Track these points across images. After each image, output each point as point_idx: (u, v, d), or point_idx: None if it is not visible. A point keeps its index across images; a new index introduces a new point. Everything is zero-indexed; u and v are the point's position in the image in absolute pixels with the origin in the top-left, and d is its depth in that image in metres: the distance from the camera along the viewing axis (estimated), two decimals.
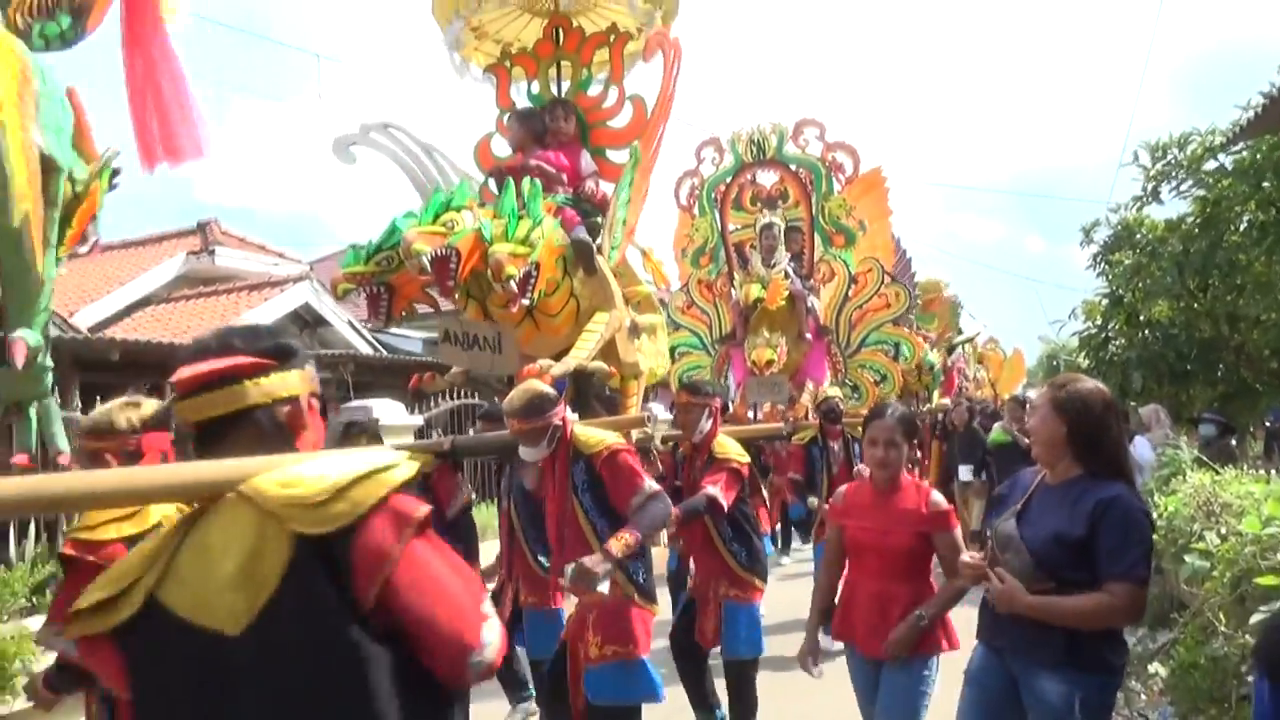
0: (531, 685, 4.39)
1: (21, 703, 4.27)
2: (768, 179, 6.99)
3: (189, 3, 2.86)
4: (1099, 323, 8.01)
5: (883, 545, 2.72)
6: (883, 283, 6.73)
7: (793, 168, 6.81)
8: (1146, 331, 7.42)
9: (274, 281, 10.20)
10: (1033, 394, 8.80)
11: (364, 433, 3.89)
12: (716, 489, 3.83)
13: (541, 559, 4.24)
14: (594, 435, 3.18)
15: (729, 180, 6.91)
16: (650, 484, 3.07)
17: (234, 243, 11.19)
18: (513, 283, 3.30)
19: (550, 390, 3.19)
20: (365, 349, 10.09)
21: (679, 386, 4.20)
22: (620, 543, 2.96)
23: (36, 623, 4.37)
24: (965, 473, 7.30)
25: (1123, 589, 2.01)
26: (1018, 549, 2.15)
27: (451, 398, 7.46)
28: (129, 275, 10.08)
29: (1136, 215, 7.61)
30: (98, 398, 5.10)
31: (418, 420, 6.64)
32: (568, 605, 4.34)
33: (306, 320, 10.31)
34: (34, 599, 4.56)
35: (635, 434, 3.70)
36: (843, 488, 2.99)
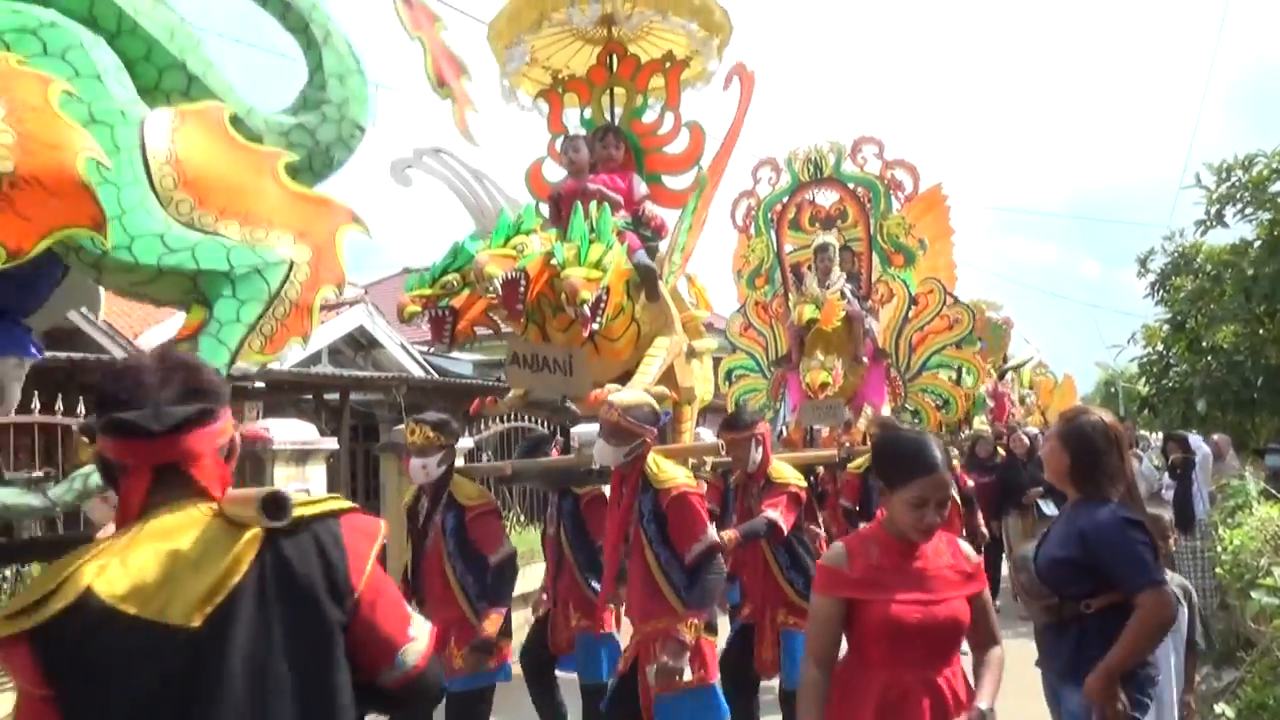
0: (565, 712, 4.49)
1: None
2: (826, 199, 7.03)
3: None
4: (1160, 348, 7.87)
5: (932, 622, 2.03)
6: (944, 303, 6.67)
7: (851, 186, 6.84)
8: (1210, 358, 7.18)
9: (330, 305, 10.46)
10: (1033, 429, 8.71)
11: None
12: (777, 513, 3.93)
13: (593, 584, 4.34)
14: (668, 470, 3.32)
15: (785, 200, 6.98)
16: (710, 534, 3.24)
17: None
18: (585, 307, 3.35)
19: (659, 409, 3.34)
20: (417, 372, 10.34)
21: (720, 428, 4.26)
22: (691, 630, 3.16)
23: None
24: (1051, 508, 6.97)
25: (1147, 597, 2.23)
26: (1028, 568, 2.50)
27: (502, 421, 7.59)
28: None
29: (1194, 243, 7.56)
30: None
31: (468, 443, 6.82)
32: (621, 629, 4.42)
33: (361, 343, 10.60)
34: None
35: (692, 462, 3.78)
36: (840, 546, 2.18)
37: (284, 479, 5.60)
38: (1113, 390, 30.34)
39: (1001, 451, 8.09)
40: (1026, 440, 7.62)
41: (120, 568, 1.15)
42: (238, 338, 1.97)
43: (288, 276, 2.03)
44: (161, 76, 2.10)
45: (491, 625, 3.45)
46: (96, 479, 1.89)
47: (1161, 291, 7.79)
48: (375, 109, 2.33)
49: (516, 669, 4.03)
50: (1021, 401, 13.51)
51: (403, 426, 3.70)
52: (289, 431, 5.83)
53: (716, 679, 3.31)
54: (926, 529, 2.04)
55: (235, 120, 2.11)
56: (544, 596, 4.59)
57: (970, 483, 7.69)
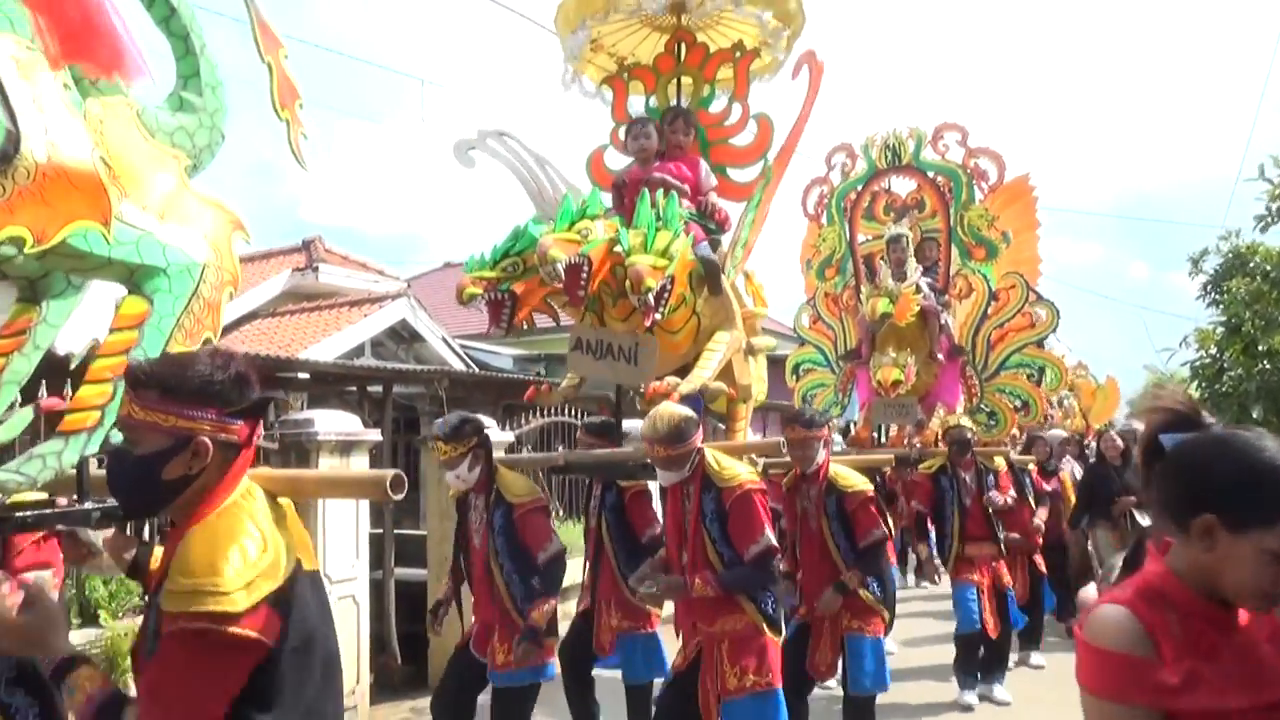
0: (598, 712, 4.58)
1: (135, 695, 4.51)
2: (903, 187, 6.90)
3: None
4: (1213, 352, 7.74)
5: None
6: (1026, 300, 6.47)
7: (930, 175, 6.70)
8: (1266, 362, 7.18)
9: (374, 298, 10.81)
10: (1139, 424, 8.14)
11: None
12: (881, 529, 4.08)
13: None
14: (730, 467, 3.38)
15: (860, 188, 6.86)
16: (769, 536, 3.29)
17: (336, 260, 12.01)
18: (650, 295, 3.36)
19: (692, 414, 3.38)
20: (458, 365, 10.45)
21: (787, 422, 4.31)
22: (703, 587, 3.23)
23: None
24: (1147, 517, 6.73)
25: None
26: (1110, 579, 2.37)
27: (542, 415, 7.55)
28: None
29: (1250, 243, 7.52)
30: None
31: (509, 436, 6.87)
32: (663, 630, 4.36)
33: (403, 336, 10.79)
34: (147, 598, 4.76)
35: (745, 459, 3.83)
36: (1125, 618, 1.32)
37: (328, 469, 5.70)
38: None
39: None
40: (1119, 441, 7.07)
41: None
42: (170, 330, 2.21)
43: (202, 275, 2.27)
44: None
45: (540, 615, 3.55)
46: (70, 457, 2.07)
47: (1215, 293, 7.74)
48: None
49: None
50: (1060, 404, 13.02)
51: (441, 422, 3.78)
52: (333, 422, 5.96)
53: (780, 682, 3.36)
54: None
55: (138, 117, 2.26)
56: (584, 594, 4.66)
57: (1044, 484, 7.27)
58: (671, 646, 4.43)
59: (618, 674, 4.54)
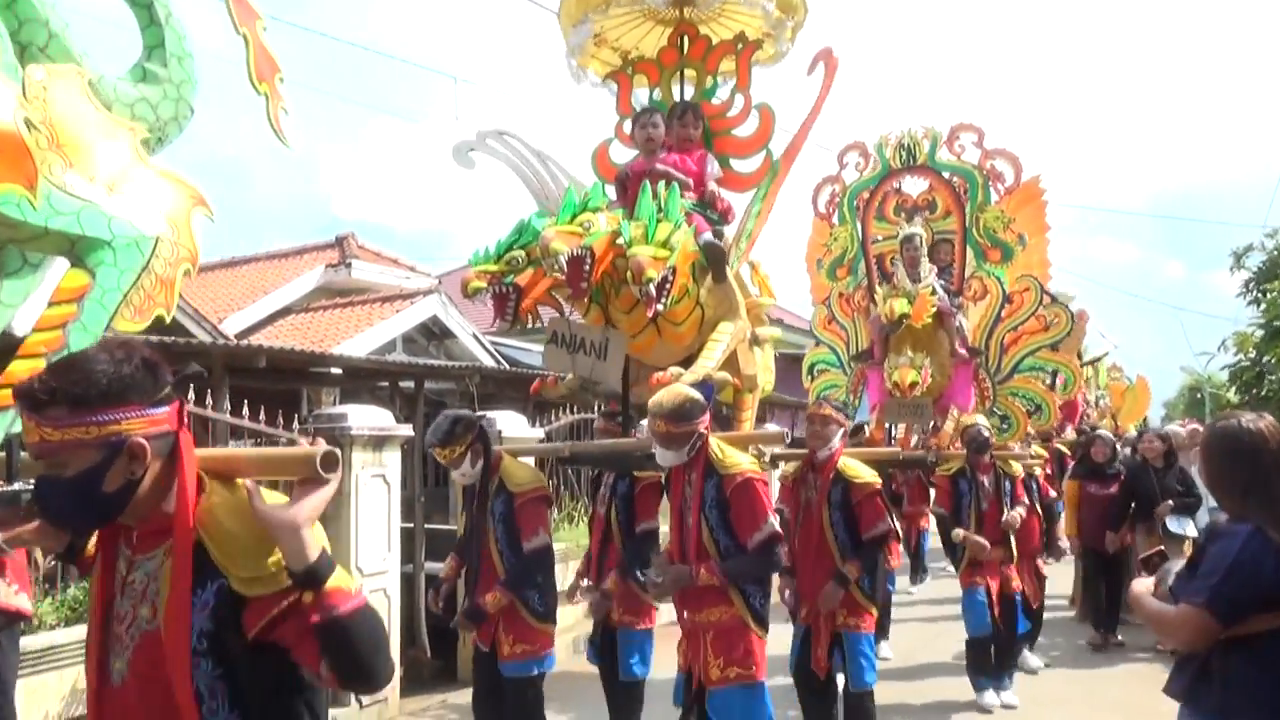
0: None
1: None
2: (915, 187, 6.83)
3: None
4: (1252, 355, 7.50)
5: None
6: (1040, 302, 6.37)
7: (945, 175, 6.62)
8: None
9: (405, 294, 10.97)
10: (1175, 428, 7.80)
11: None
12: (887, 523, 4.09)
13: (639, 574, 4.39)
14: (731, 455, 3.38)
15: (873, 187, 6.79)
16: (772, 523, 3.29)
17: (369, 256, 12.17)
18: (651, 286, 3.38)
19: (700, 397, 3.37)
20: (488, 361, 10.57)
21: (815, 399, 4.24)
22: (707, 575, 3.24)
23: None
24: (1182, 525, 6.36)
25: (1183, 610, 2.16)
26: (1167, 580, 2.37)
27: (572, 411, 7.66)
28: (272, 285, 11.03)
29: None
30: (245, 401, 5.60)
31: (538, 433, 6.96)
32: (659, 623, 4.47)
33: (434, 332, 10.96)
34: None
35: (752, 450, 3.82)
36: None
37: (361, 464, 5.82)
38: (1199, 396, 28.89)
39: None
40: (1160, 443, 6.79)
41: None
42: (115, 305, 2.11)
43: (154, 250, 2.16)
44: (21, 28, 2.14)
45: (493, 602, 3.59)
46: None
47: (1256, 291, 7.57)
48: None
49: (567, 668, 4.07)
50: (1095, 403, 12.61)
51: (433, 428, 3.74)
52: (366, 417, 6.02)
53: (764, 676, 3.35)
54: None
55: (91, 86, 2.18)
56: (582, 584, 4.68)
57: (1050, 490, 7.02)
58: (662, 647, 4.44)
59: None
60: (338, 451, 1.41)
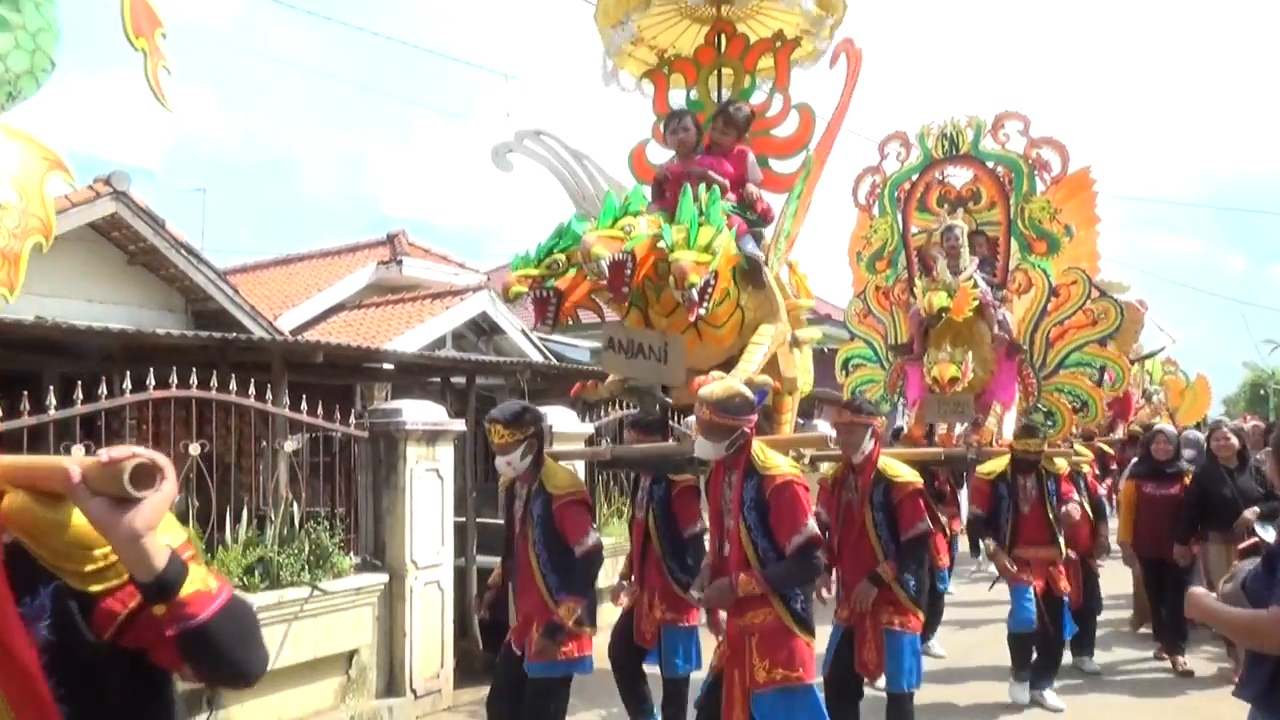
0: (655, 705, 4.55)
1: None
2: (958, 178, 6.55)
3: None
4: None
5: None
6: (1088, 296, 6.09)
7: (990, 165, 6.33)
8: None
9: (455, 291, 11.01)
10: (1239, 424, 7.21)
11: None
12: (927, 522, 4.01)
13: (678, 574, 4.44)
14: (772, 457, 3.33)
15: (915, 178, 6.52)
16: (811, 526, 3.22)
17: (419, 253, 12.17)
18: (694, 291, 3.31)
19: (751, 396, 3.32)
20: (536, 357, 10.61)
21: (839, 408, 4.24)
22: (748, 584, 3.20)
23: (248, 600, 4.92)
24: (1267, 532, 5.71)
25: (1275, 613, 2.07)
26: (1235, 579, 2.29)
27: (621, 407, 7.66)
28: (325, 283, 11.19)
29: None
30: (303, 396, 5.72)
31: (588, 428, 6.97)
32: (702, 621, 4.47)
33: (483, 328, 11.02)
34: (245, 579, 5.09)
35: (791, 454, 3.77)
36: None
37: (415, 459, 5.87)
38: (1261, 393, 27.74)
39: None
40: (1234, 440, 5.99)
41: None
42: None
43: None
44: None
45: (567, 613, 3.53)
46: None
47: None
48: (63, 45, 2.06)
49: (600, 664, 4.09)
50: (1148, 399, 12.06)
51: (501, 407, 3.75)
52: (420, 413, 6.03)
53: (814, 679, 3.30)
54: None
55: None
56: (625, 584, 4.67)
57: (1098, 488, 6.58)
58: (710, 643, 4.31)
59: (655, 668, 4.52)
60: (158, 460, 1.13)
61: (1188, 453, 6.66)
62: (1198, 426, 11.05)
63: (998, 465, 5.47)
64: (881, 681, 4.19)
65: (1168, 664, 6.23)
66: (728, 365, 3.85)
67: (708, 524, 3.63)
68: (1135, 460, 6.85)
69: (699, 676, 4.49)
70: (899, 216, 6.55)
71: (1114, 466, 9.24)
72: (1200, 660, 6.31)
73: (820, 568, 3.34)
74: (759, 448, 3.34)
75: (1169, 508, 6.09)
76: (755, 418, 3.36)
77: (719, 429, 3.23)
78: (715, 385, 3.30)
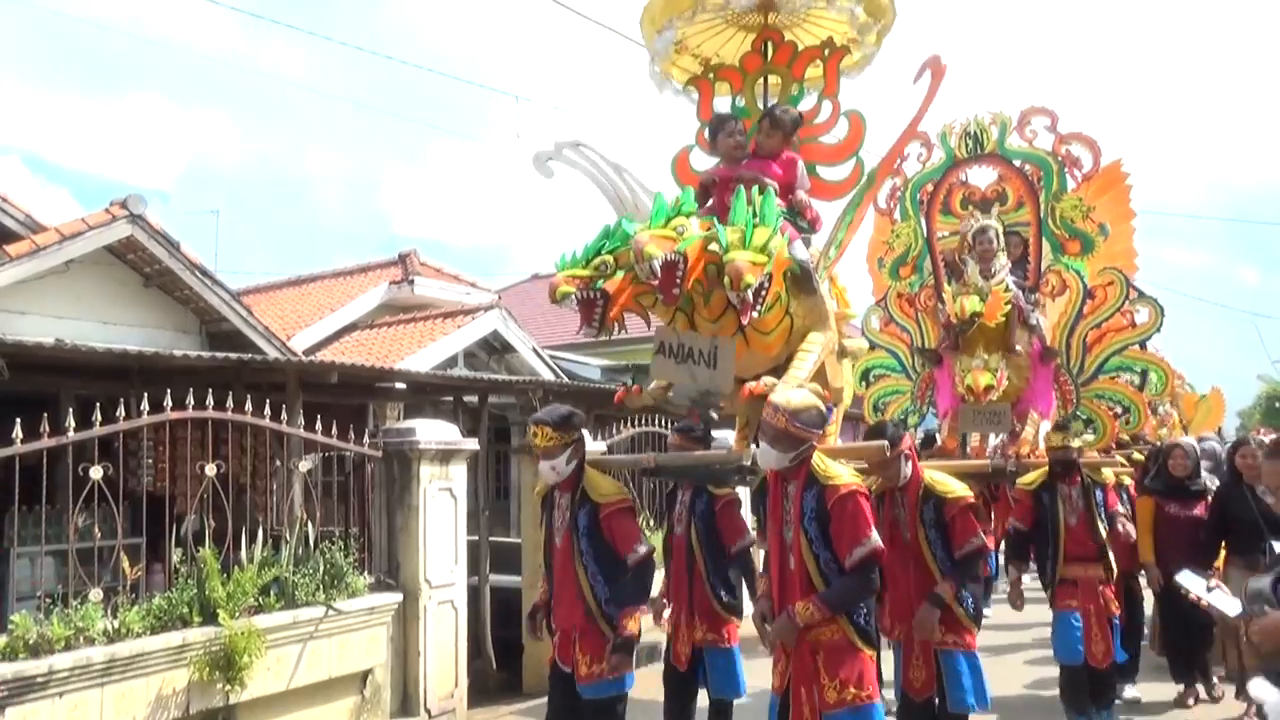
0: None
1: (249, 693, 4.71)
2: (983, 178, 6.15)
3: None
4: None
5: None
6: (1126, 297, 5.66)
7: (1017, 163, 5.91)
8: None
9: (466, 310, 10.87)
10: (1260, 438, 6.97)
11: None
12: (980, 536, 3.82)
13: (722, 594, 4.26)
14: (834, 467, 3.15)
15: (938, 179, 6.12)
16: (874, 539, 3.04)
17: (431, 273, 12.08)
18: (749, 292, 3.14)
19: (824, 410, 3.17)
20: (548, 375, 10.40)
21: (870, 436, 4.02)
22: (806, 611, 3.01)
23: (264, 620, 4.83)
24: None
25: None
26: (1263, 600, 2.15)
27: (633, 425, 7.44)
28: (338, 303, 10.99)
29: None
30: (317, 416, 5.49)
31: (600, 446, 6.72)
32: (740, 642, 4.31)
33: (495, 347, 10.85)
34: (260, 599, 4.95)
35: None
36: None
37: (429, 478, 5.77)
38: (1277, 405, 27.43)
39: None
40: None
41: None
42: None
43: None
44: None
45: (634, 623, 3.36)
46: None
47: None
48: None
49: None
50: (1154, 410, 11.85)
51: (548, 410, 3.62)
52: (434, 432, 5.93)
53: (879, 698, 3.12)
54: None
55: None
56: (665, 601, 4.48)
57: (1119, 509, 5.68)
58: (749, 664, 4.24)
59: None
60: None
61: (1204, 463, 6.12)
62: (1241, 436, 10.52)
63: (1038, 475, 5.09)
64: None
65: (1201, 699, 5.72)
66: (774, 373, 3.63)
67: (766, 538, 3.34)
68: (1150, 475, 6.05)
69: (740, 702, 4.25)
70: (922, 220, 6.17)
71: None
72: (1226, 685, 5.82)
73: (876, 585, 3.16)
74: (819, 458, 3.17)
75: (1191, 530, 5.42)
76: (822, 435, 3.21)
77: (790, 439, 3.05)
78: (792, 394, 3.12)
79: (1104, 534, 4.92)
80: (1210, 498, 5.56)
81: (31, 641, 3.97)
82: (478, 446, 6.30)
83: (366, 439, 5.81)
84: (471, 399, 8.26)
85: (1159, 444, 6.89)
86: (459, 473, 5.95)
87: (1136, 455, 7.92)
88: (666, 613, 4.43)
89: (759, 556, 4.06)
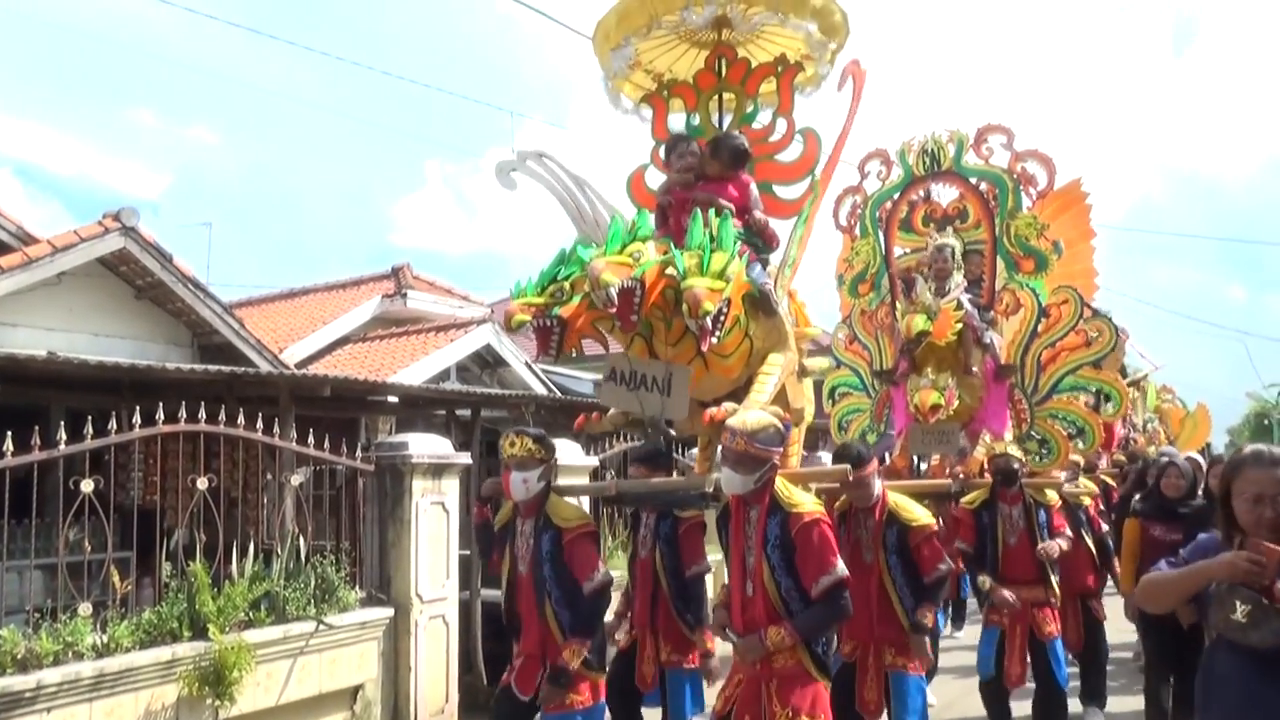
0: None
1: (239, 708, 4.62)
2: (944, 196, 6.06)
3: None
4: None
5: None
6: (1081, 316, 5.54)
7: (973, 181, 5.83)
8: None
9: (459, 323, 10.76)
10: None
11: None
12: (946, 561, 3.83)
13: (687, 616, 4.18)
14: (797, 494, 3.08)
15: (896, 196, 6.05)
16: (840, 568, 2.96)
17: (424, 286, 11.91)
18: (708, 319, 3.05)
19: (784, 431, 3.09)
20: (540, 389, 10.33)
21: (836, 459, 3.98)
22: (778, 636, 2.92)
23: (254, 635, 4.74)
24: None
25: None
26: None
27: (625, 440, 7.39)
28: (330, 316, 10.92)
29: None
30: (309, 429, 5.46)
31: (593, 461, 6.67)
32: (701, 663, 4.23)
33: (487, 360, 10.75)
34: (250, 613, 4.86)
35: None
36: None
37: (420, 492, 5.68)
38: (1265, 423, 27.29)
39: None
40: None
41: None
42: None
43: None
44: None
45: (572, 656, 3.23)
46: None
47: None
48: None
49: None
50: (1143, 427, 11.11)
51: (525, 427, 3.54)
52: (426, 445, 5.84)
53: None
54: None
55: None
56: (623, 622, 4.40)
57: (1102, 524, 5.72)
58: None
59: (656, 711, 4.28)
60: None
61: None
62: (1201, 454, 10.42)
63: (979, 494, 5.03)
64: None
65: None
66: (734, 396, 3.59)
67: (722, 562, 3.33)
68: (1139, 496, 5.42)
69: None
70: (881, 237, 6.08)
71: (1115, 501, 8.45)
72: None
73: (849, 610, 3.05)
74: (782, 483, 3.10)
75: (1171, 552, 5.15)
76: (782, 453, 3.13)
77: (751, 461, 2.97)
78: (747, 416, 3.05)
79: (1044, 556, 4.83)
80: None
81: (20, 656, 3.90)
82: (470, 460, 6.21)
83: (358, 453, 5.73)
84: (464, 413, 8.20)
85: (1147, 460, 6.64)
86: (451, 487, 5.87)
87: (1108, 480, 7.44)
88: (620, 634, 4.35)
89: (719, 579, 4.04)
